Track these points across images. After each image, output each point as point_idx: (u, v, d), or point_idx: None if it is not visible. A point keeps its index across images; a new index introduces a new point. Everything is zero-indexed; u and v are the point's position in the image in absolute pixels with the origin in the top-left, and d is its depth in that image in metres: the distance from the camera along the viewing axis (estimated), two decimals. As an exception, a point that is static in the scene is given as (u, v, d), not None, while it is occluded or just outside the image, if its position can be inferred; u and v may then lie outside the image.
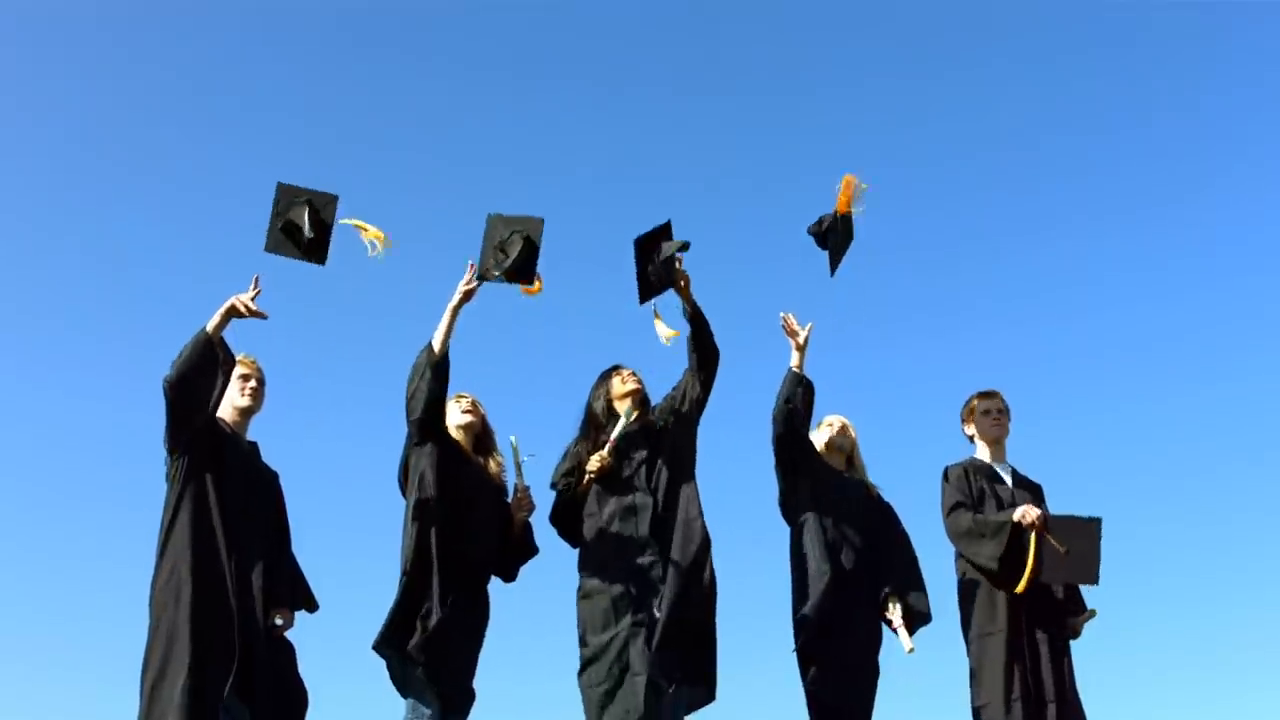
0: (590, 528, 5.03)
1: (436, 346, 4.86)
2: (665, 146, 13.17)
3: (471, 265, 4.90)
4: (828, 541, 5.15)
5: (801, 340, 5.36)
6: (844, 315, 11.69)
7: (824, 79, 12.77)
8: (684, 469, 5.08)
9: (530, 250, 4.85)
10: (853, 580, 5.14)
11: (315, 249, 4.74)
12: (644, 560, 4.85)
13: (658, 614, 4.72)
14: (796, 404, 5.29)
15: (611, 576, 4.87)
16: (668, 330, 5.15)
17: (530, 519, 5.13)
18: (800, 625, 5.09)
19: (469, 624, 4.83)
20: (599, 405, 5.24)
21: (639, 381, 5.27)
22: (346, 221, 4.89)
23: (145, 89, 12.07)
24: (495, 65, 12.77)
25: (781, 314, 5.40)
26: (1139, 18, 12.23)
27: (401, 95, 12.54)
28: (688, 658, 4.76)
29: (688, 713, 4.86)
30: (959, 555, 5.42)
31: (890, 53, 12.82)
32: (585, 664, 4.83)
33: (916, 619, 5.19)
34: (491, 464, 5.16)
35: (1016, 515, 5.15)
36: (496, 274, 4.84)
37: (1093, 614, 5.23)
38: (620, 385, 5.23)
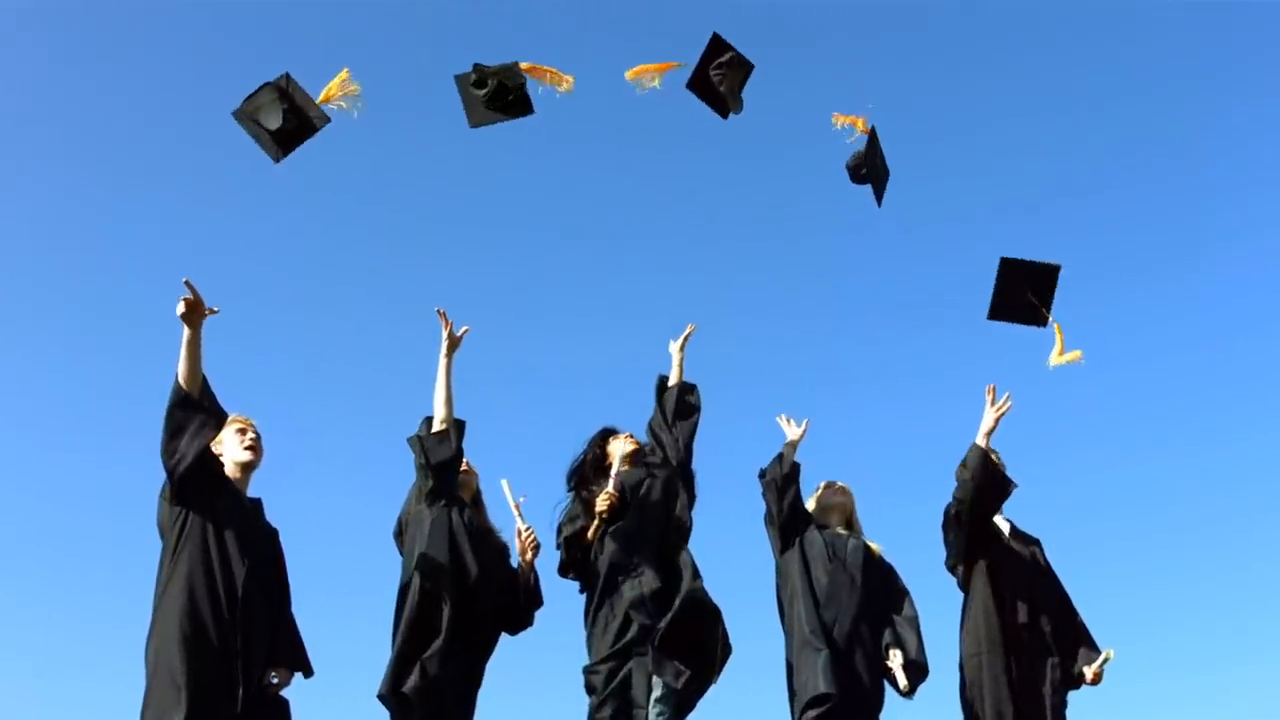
0: (602, 563, 5.12)
1: (441, 414, 5.01)
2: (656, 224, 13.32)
3: (445, 320, 5.04)
4: (820, 613, 5.18)
5: (796, 437, 5.56)
6: (843, 375, 11.80)
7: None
8: (685, 502, 5.31)
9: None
10: (851, 647, 5.14)
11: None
12: (652, 587, 4.97)
13: (661, 627, 4.88)
14: (777, 479, 5.45)
15: (620, 607, 4.99)
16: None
17: (538, 564, 5.19)
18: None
19: (467, 676, 4.84)
20: (592, 463, 5.44)
21: (637, 443, 5.48)
22: (334, 105, 4.97)
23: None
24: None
25: (778, 417, 5.64)
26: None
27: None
28: (689, 661, 4.89)
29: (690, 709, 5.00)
30: (963, 571, 5.44)
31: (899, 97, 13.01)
32: (595, 697, 4.95)
33: (915, 670, 5.21)
34: (490, 521, 5.24)
35: (981, 444, 5.26)
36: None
37: (1109, 657, 5.20)
38: (620, 447, 5.42)
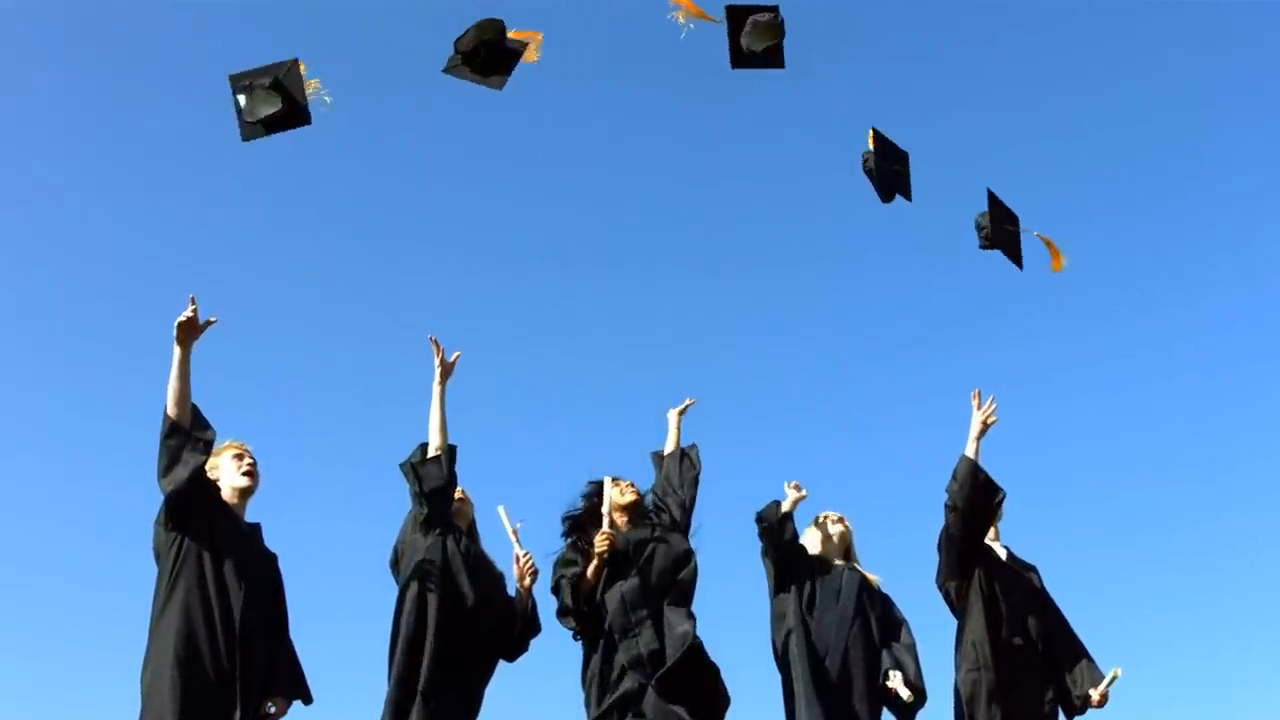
0: (603, 622, 5.06)
1: (436, 442, 5.00)
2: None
3: (437, 347, 5.06)
4: (814, 652, 5.17)
5: (800, 496, 5.56)
6: (842, 404, 11.80)
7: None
8: (693, 567, 5.26)
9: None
10: (845, 684, 5.14)
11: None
12: (651, 647, 4.92)
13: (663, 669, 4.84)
14: (773, 523, 5.45)
15: (618, 665, 4.94)
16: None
17: (536, 589, 5.15)
18: None
19: (466, 703, 4.82)
20: (588, 513, 5.39)
21: (637, 493, 5.46)
22: (317, 94, 4.98)
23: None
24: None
25: (786, 483, 5.60)
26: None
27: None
28: (690, 711, 4.82)
29: None
30: (957, 589, 5.43)
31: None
32: None
33: (913, 694, 5.18)
34: (486, 550, 5.22)
35: (970, 454, 5.29)
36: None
37: (1116, 675, 5.18)
38: (620, 496, 5.38)
